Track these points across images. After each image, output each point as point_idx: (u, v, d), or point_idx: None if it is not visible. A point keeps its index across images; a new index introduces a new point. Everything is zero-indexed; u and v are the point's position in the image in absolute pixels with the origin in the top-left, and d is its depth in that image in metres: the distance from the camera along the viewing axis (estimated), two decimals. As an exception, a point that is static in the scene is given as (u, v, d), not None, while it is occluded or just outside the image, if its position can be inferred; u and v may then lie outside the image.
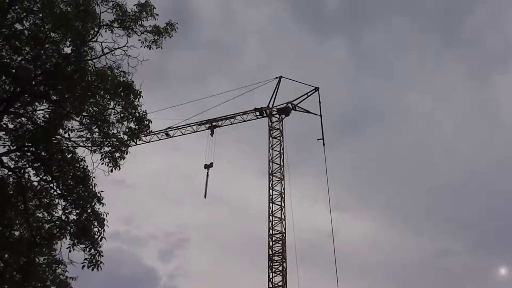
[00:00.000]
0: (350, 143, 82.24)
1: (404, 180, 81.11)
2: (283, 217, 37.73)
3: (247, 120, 41.99)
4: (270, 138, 40.93)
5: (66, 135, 13.42)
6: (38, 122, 13.40)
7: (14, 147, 13.03)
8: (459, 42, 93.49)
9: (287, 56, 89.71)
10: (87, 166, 13.04)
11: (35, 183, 13.17)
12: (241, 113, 41.89)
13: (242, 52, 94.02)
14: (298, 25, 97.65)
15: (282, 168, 39.54)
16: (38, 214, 13.79)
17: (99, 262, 11.95)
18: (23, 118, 13.41)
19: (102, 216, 12.53)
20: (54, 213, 13.16)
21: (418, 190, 79.92)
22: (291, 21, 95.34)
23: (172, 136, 42.50)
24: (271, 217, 37.80)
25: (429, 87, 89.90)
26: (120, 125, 13.38)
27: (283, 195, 38.53)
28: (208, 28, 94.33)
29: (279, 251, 36.67)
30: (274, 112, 41.97)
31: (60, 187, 12.83)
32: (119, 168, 13.34)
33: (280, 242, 36.88)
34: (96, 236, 12.27)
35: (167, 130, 41.86)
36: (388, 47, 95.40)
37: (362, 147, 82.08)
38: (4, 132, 13.05)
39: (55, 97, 13.19)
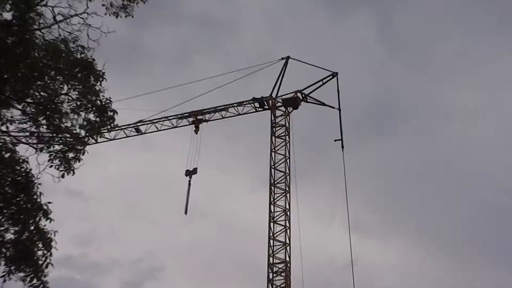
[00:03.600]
0: (375, 146, 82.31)
1: (444, 195, 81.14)
2: (287, 242, 37.88)
3: (243, 114, 42.21)
4: (273, 138, 41.08)
5: (4, 128, 13.37)
6: (-32, 110, 13.34)
7: None
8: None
9: (296, 36, 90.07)
10: (30, 170, 13.06)
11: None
12: (235, 104, 42.06)
13: (238, 30, 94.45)
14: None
15: (288, 177, 39.76)
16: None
17: (43, 296, 11.93)
18: None
19: (49, 235, 12.57)
20: (-15, 230, 13.17)
21: (462, 208, 79.85)
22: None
23: (145, 133, 42.73)
24: (271, 241, 37.95)
25: (478, 79, 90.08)
26: (75, 116, 13.29)
27: (288, 213, 38.68)
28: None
29: (282, 285, 36.71)
30: (279, 104, 42.14)
31: (-5, 196, 12.81)
32: (73, 173, 13.37)
33: (283, 274, 36.96)
34: (41, 262, 12.31)
35: (138, 124, 42.02)
36: (425, 29, 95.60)
37: (390, 151, 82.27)
38: None
39: (-10, 78, 13.14)
